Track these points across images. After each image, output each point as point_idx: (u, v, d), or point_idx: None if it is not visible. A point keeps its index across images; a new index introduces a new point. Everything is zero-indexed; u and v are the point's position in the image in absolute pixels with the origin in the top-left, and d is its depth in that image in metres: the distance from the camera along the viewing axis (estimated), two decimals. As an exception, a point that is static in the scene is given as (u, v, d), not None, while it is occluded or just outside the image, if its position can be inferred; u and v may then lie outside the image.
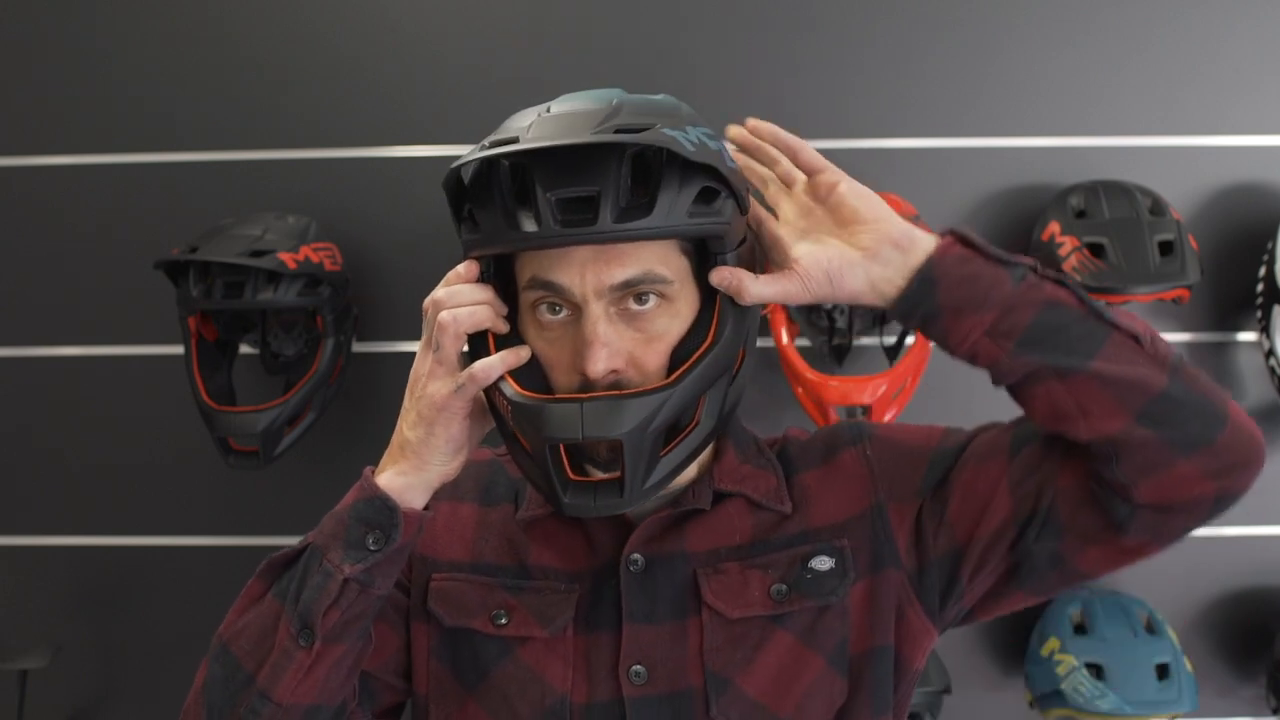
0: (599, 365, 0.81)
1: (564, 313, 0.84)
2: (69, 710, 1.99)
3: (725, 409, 0.87)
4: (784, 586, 0.89)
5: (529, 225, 0.79)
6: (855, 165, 1.93)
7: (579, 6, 1.89)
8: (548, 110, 0.85)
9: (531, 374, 0.85)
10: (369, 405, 1.93)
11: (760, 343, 1.71)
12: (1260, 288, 1.79)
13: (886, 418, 1.69)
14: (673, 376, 0.82)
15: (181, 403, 1.75)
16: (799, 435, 1.02)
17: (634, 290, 0.82)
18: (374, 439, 1.95)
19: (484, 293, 0.86)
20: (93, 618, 1.98)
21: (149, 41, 1.92)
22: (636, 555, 0.92)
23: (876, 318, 1.88)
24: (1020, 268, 0.84)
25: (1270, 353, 1.76)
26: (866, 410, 1.68)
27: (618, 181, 0.78)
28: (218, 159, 1.92)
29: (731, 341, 0.84)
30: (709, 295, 0.86)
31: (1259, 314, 1.79)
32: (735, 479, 0.94)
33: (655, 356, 0.84)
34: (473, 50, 1.90)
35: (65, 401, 1.95)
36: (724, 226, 0.82)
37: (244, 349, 1.87)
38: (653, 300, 0.83)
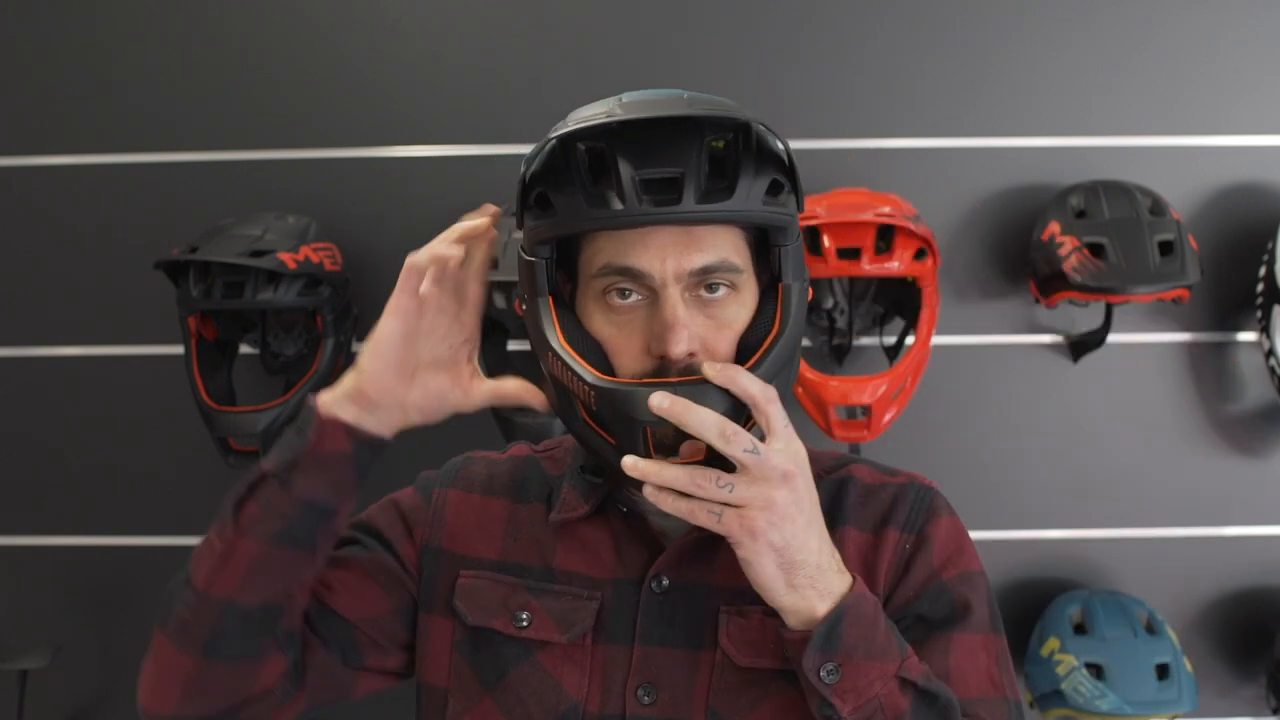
0: (681, 346, 0.81)
1: (634, 297, 0.84)
2: (69, 710, 1.99)
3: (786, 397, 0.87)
4: None
5: (615, 204, 0.79)
6: (855, 165, 1.94)
7: (579, 7, 1.89)
8: (620, 101, 0.86)
9: (594, 361, 0.85)
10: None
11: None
12: (1260, 288, 1.79)
13: (886, 418, 1.69)
14: (748, 363, 0.83)
15: (181, 403, 1.75)
16: (865, 476, 0.96)
17: (709, 277, 0.83)
18: (374, 439, 1.96)
19: (451, 236, 0.88)
20: (93, 618, 1.98)
21: (149, 41, 1.92)
22: (663, 576, 0.91)
23: (877, 318, 1.88)
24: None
25: (1270, 353, 1.76)
26: (867, 410, 1.68)
27: (699, 165, 0.79)
28: (218, 159, 1.92)
29: (794, 333, 0.86)
30: (768, 287, 0.87)
31: (1259, 314, 1.79)
32: None
33: (725, 343, 0.84)
34: (473, 50, 1.90)
35: (65, 401, 1.95)
36: (789, 218, 0.84)
37: (244, 349, 1.87)
38: (723, 289, 0.84)
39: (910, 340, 1.77)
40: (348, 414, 0.89)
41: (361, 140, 1.91)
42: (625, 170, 0.79)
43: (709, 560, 0.91)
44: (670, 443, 0.82)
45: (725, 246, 0.83)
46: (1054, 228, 1.74)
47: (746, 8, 1.88)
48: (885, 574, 0.91)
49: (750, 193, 0.80)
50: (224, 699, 0.89)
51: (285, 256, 1.67)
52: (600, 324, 0.86)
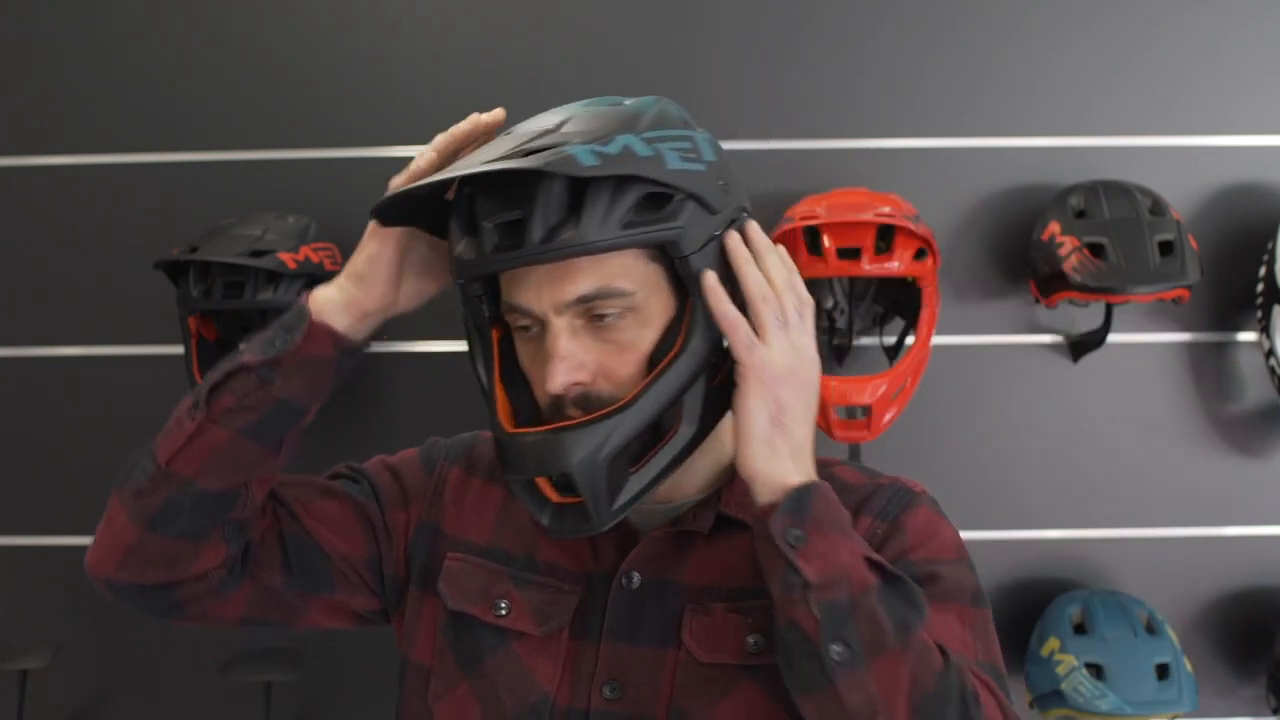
0: (557, 380, 0.81)
1: (535, 329, 0.86)
2: (69, 710, 1.99)
3: (711, 413, 0.85)
4: (760, 638, 0.87)
5: (469, 254, 0.82)
6: (855, 165, 1.94)
7: (579, 7, 1.89)
8: (509, 133, 0.86)
9: (530, 395, 0.88)
10: (369, 405, 1.93)
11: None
12: (1260, 288, 1.79)
13: (886, 418, 1.69)
14: (624, 399, 0.81)
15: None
16: (847, 475, 0.96)
17: (594, 305, 0.82)
18: (374, 439, 1.96)
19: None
20: (93, 618, 1.97)
21: (149, 41, 1.92)
22: (634, 573, 0.92)
23: (877, 318, 1.88)
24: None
25: (1270, 353, 1.76)
26: (867, 410, 1.68)
27: (547, 201, 0.78)
28: (218, 159, 1.92)
29: (703, 346, 0.82)
30: (687, 298, 0.84)
31: (1259, 314, 1.79)
32: (746, 506, 0.86)
33: (626, 366, 0.83)
34: (473, 50, 1.90)
35: (65, 401, 1.95)
36: (675, 231, 0.80)
37: (244, 349, 1.87)
38: (616, 312, 0.82)
39: (910, 340, 1.77)
40: (340, 323, 0.90)
41: (361, 140, 1.90)
42: (481, 217, 0.80)
43: (681, 556, 0.91)
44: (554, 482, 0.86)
45: (606, 272, 0.81)
46: (1054, 228, 1.74)
47: (746, 8, 1.88)
48: None
49: (605, 220, 0.77)
50: (161, 573, 0.92)
51: (285, 256, 1.67)
52: (521, 357, 0.89)
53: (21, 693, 1.80)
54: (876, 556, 0.79)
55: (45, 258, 1.94)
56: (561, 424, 0.82)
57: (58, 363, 1.95)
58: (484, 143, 0.90)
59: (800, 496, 0.79)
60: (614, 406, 0.81)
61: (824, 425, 1.71)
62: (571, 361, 0.82)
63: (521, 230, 0.78)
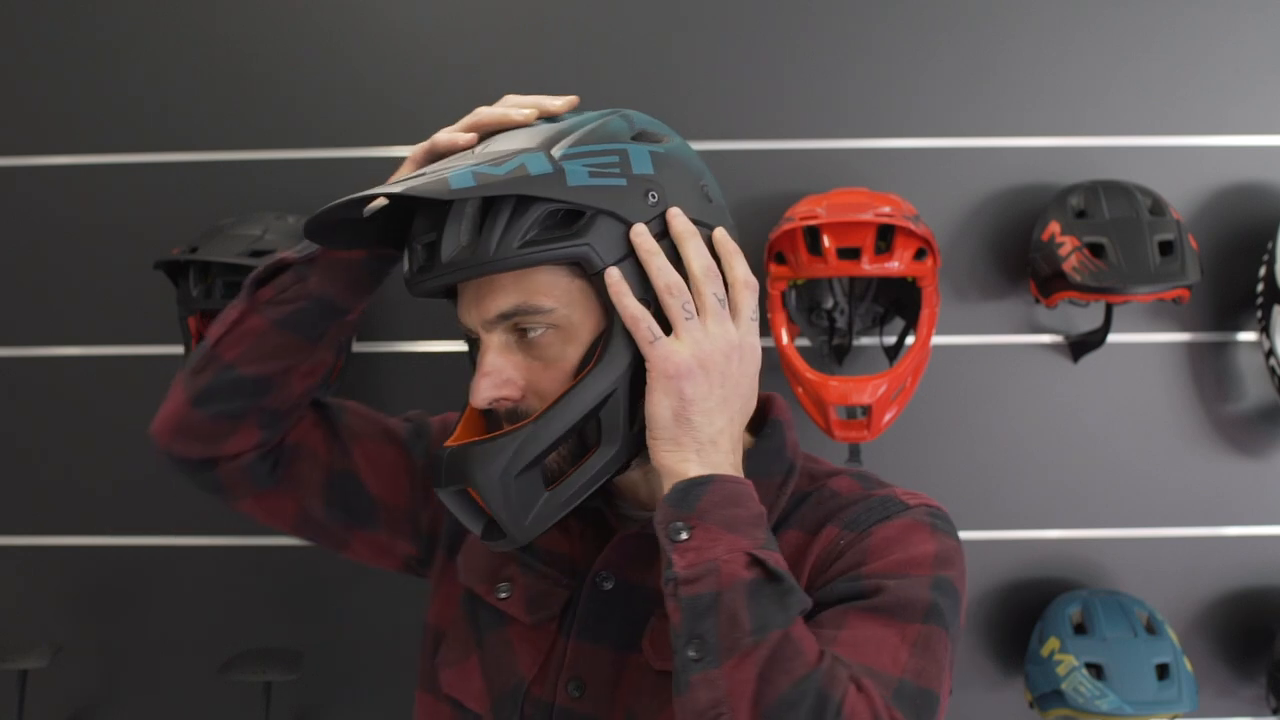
0: (480, 394, 0.83)
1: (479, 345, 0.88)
2: (69, 710, 1.99)
3: (635, 427, 0.84)
4: None
5: (405, 272, 0.87)
6: (855, 165, 1.94)
7: (579, 7, 1.89)
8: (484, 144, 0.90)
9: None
10: (369, 405, 1.92)
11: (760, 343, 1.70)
12: (1260, 288, 1.79)
13: (886, 418, 1.69)
14: (531, 415, 0.82)
15: (181, 403, 1.75)
16: (841, 486, 0.91)
17: (518, 321, 0.83)
18: (374, 439, 1.95)
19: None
20: (93, 618, 1.98)
21: (149, 41, 1.92)
22: (607, 574, 0.92)
23: (877, 318, 1.88)
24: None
25: (1270, 353, 1.76)
26: (866, 410, 1.68)
27: (459, 222, 0.80)
28: (218, 159, 1.92)
29: (623, 359, 0.82)
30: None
31: (1259, 314, 1.79)
32: None
33: (551, 382, 0.84)
34: (473, 50, 1.90)
35: (65, 401, 1.95)
36: (580, 248, 0.80)
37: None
38: (541, 329, 0.83)
39: (910, 340, 1.77)
40: None
41: (361, 140, 1.91)
42: (413, 236, 0.84)
43: (654, 560, 0.90)
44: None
45: (525, 289, 0.82)
46: (1054, 228, 1.74)
47: (746, 8, 1.88)
48: (810, 567, 0.85)
49: (503, 240, 0.79)
50: (200, 448, 0.99)
51: (285, 256, 1.67)
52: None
53: (21, 693, 1.80)
54: (762, 554, 0.75)
55: (45, 258, 1.94)
56: (472, 439, 0.84)
57: (58, 363, 1.95)
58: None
59: (688, 489, 0.78)
60: (521, 423, 0.82)
61: (824, 425, 1.71)
62: (496, 377, 0.83)
63: (435, 251, 0.81)
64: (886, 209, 1.67)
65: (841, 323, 1.86)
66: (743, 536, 0.76)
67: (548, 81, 1.89)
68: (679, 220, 0.84)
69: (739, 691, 0.70)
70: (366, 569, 1.94)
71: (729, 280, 0.85)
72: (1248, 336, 1.89)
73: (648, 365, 0.81)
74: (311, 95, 1.91)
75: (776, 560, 0.77)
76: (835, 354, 1.88)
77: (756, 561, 0.75)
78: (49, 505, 1.97)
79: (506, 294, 0.82)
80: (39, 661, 1.79)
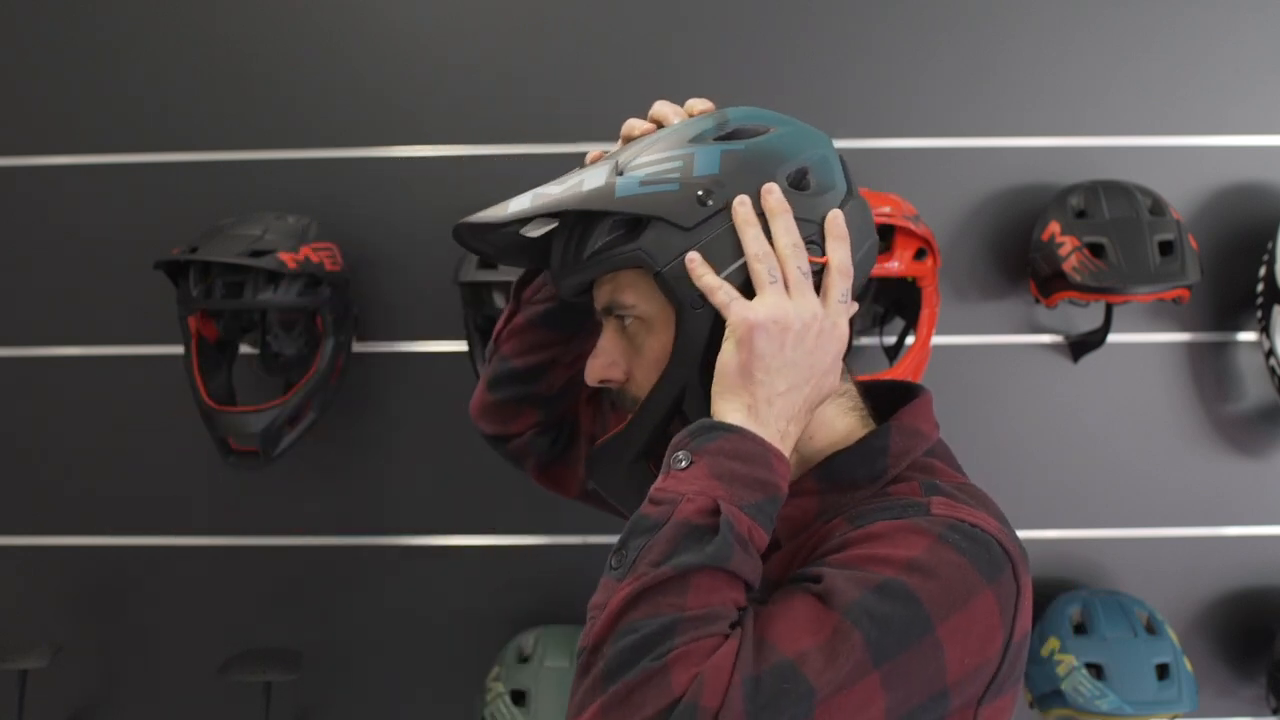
0: (588, 373, 0.91)
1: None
2: (69, 710, 1.99)
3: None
4: None
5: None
6: (855, 165, 1.93)
7: (579, 7, 1.89)
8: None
9: None
10: (369, 405, 1.93)
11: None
12: (1260, 288, 1.79)
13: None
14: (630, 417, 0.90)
15: (181, 403, 1.75)
16: (901, 491, 0.85)
17: (614, 313, 0.90)
18: (374, 439, 1.97)
19: None
20: (93, 618, 1.98)
21: (149, 41, 1.92)
22: None
23: (877, 318, 1.88)
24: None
25: (1270, 353, 1.76)
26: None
27: (563, 236, 0.89)
28: (218, 159, 1.92)
29: (685, 359, 0.85)
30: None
31: (1259, 314, 1.79)
32: (784, 520, 0.85)
33: (642, 369, 0.89)
34: (473, 50, 1.90)
35: (65, 401, 1.95)
36: (634, 253, 0.84)
37: (244, 349, 1.87)
38: (631, 320, 0.89)
39: (910, 340, 1.77)
40: None
41: (361, 140, 1.90)
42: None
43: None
44: None
45: (615, 287, 0.88)
46: (1054, 228, 1.74)
47: (746, 8, 1.88)
48: (804, 557, 0.82)
49: (578, 249, 0.87)
50: (497, 426, 1.12)
51: (285, 256, 1.67)
52: None
53: (21, 693, 1.80)
54: (730, 511, 0.74)
55: (45, 258, 1.94)
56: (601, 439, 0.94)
57: (58, 363, 1.95)
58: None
59: (711, 428, 0.79)
60: (622, 425, 0.90)
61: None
62: (604, 358, 0.90)
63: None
64: (886, 209, 1.67)
65: (841, 323, 1.86)
66: (724, 488, 0.76)
67: (547, 81, 1.89)
68: (771, 200, 0.84)
69: (614, 604, 0.73)
70: (365, 569, 1.95)
71: (825, 264, 0.85)
72: (1248, 336, 1.89)
73: (727, 325, 0.82)
74: (311, 95, 1.91)
75: (745, 526, 0.75)
76: (835, 354, 1.88)
77: (715, 513, 0.74)
78: (49, 505, 1.97)
79: (604, 291, 0.90)
80: (39, 661, 1.79)
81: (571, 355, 1.08)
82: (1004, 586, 0.77)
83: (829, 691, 0.69)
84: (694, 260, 0.84)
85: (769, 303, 0.81)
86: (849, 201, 0.89)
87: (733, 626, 0.73)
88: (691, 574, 0.72)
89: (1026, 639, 0.80)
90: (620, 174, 0.86)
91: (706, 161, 0.87)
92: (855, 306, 0.88)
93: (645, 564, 0.73)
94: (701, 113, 0.93)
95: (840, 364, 0.86)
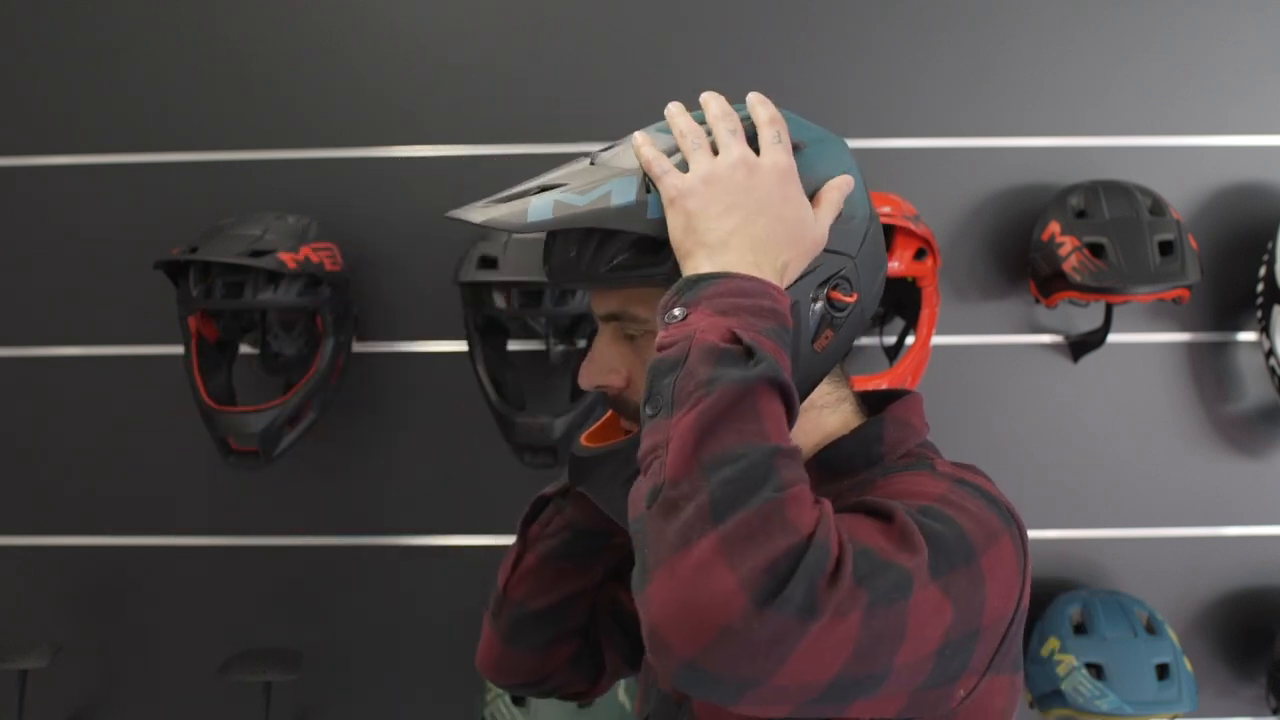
0: (583, 378, 0.87)
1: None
2: (69, 710, 1.99)
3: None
4: None
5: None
6: (855, 165, 1.93)
7: (579, 7, 1.89)
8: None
9: None
10: (369, 405, 1.93)
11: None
12: (1260, 288, 1.79)
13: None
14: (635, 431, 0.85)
15: (181, 403, 1.75)
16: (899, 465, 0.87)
17: (622, 324, 0.86)
18: (374, 439, 1.96)
19: None
20: (93, 618, 1.98)
21: (149, 41, 1.92)
22: None
23: (877, 318, 1.88)
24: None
25: (1270, 353, 1.76)
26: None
27: (567, 236, 0.85)
28: (218, 159, 1.92)
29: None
30: None
31: (1259, 314, 1.79)
32: None
33: (643, 379, 0.85)
34: (473, 50, 1.90)
35: (65, 401, 1.95)
36: (659, 277, 0.81)
37: (244, 349, 1.87)
38: (639, 333, 0.85)
39: (910, 340, 1.77)
40: None
41: (361, 140, 1.90)
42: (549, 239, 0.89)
43: None
44: None
45: (626, 299, 0.85)
46: (1054, 228, 1.74)
47: (746, 8, 1.88)
48: None
49: (595, 260, 0.83)
50: (525, 677, 1.03)
51: (285, 256, 1.67)
52: None
53: (21, 693, 1.80)
54: (748, 335, 0.70)
55: (45, 258, 1.94)
56: (598, 442, 0.89)
57: (58, 363, 1.95)
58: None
59: (695, 281, 0.75)
60: (624, 437, 0.87)
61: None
62: (601, 364, 0.86)
63: (550, 258, 0.88)
64: (886, 209, 1.67)
65: (841, 323, 1.86)
66: (733, 319, 0.71)
67: (547, 81, 1.89)
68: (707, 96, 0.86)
69: (681, 435, 0.66)
70: (365, 569, 1.95)
71: (755, 120, 0.87)
72: (1248, 336, 1.89)
73: (663, 198, 0.80)
74: (311, 95, 1.91)
75: (768, 347, 0.71)
76: (835, 354, 1.88)
77: (737, 339, 0.70)
78: (49, 505, 1.97)
79: (611, 299, 0.86)
80: (39, 661, 1.79)
81: (594, 582, 1.00)
82: (1016, 539, 0.77)
83: (920, 581, 0.66)
84: (641, 142, 0.83)
85: (696, 167, 0.81)
86: (870, 227, 0.89)
87: None
88: (755, 391, 0.67)
89: (1025, 616, 0.79)
90: (649, 190, 0.82)
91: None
92: (786, 144, 0.86)
93: (693, 386, 0.67)
94: (724, 113, 0.89)
95: (798, 204, 0.82)
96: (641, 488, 0.68)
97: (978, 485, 0.80)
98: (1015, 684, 0.81)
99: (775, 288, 0.76)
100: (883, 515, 0.70)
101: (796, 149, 0.87)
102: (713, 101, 0.88)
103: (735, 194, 0.80)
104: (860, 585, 0.63)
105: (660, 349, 0.73)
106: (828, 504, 0.67)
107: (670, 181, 0.80)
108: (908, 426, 0.91)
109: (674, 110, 0.87)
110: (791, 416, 0.71)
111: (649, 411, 0.71)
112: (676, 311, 0.74)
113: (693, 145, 0.83)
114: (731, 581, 0.61)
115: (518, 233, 0.82)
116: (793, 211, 0.81)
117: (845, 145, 0.92)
